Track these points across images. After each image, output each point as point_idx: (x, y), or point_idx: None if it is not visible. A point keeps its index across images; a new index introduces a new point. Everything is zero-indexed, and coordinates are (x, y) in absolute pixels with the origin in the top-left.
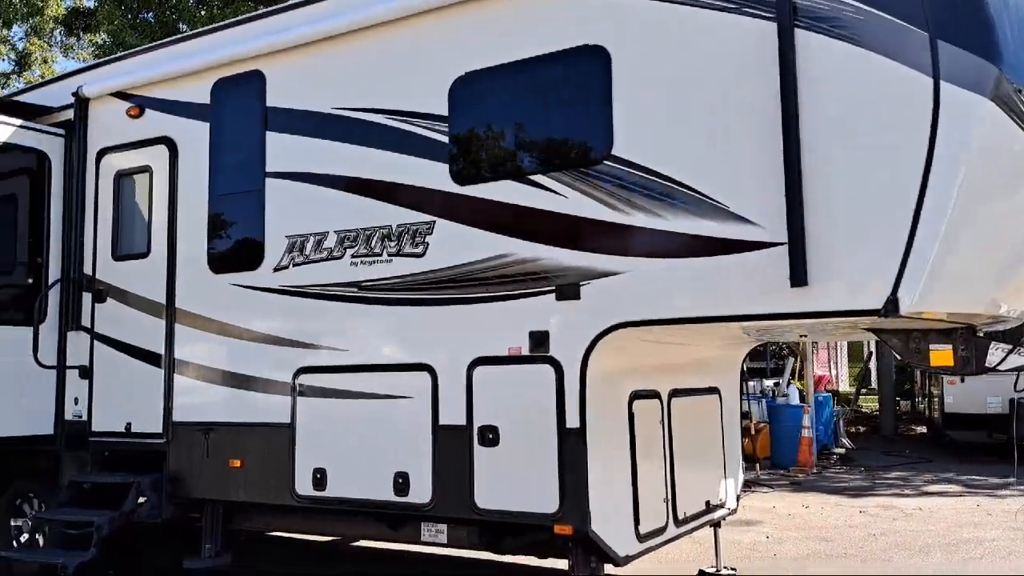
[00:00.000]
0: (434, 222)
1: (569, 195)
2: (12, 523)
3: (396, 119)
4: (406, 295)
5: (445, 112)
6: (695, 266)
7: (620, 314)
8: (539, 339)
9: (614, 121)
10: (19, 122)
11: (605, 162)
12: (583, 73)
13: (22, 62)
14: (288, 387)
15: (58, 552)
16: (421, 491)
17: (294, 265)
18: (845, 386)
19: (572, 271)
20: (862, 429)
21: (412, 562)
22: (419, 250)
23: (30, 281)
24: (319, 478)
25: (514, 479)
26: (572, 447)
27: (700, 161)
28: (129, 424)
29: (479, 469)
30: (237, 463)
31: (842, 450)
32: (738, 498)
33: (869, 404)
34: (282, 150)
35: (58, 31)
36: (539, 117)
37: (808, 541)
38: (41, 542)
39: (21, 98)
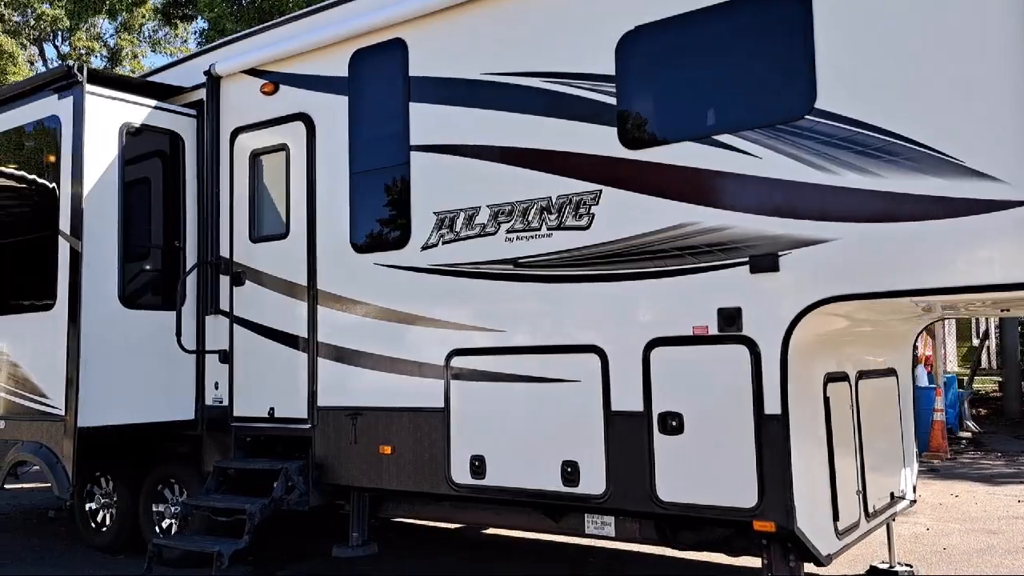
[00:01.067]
0: (600, 191)
1: (764, 156)
2: (154, 508)
3: (554, 82)
4: (569, 271)
5: (611, 71)
6: (928, 230)
7: (829, 287)
8: (730, 316)
9: (817, 71)
10: (153, 103)
11: (807, 117)
12: (778, 17)
13: (113, 58)
14: (440, 370)
15: (210, 539)
16: (593, 481)
17: (444, 243)
18: (952, 366)
19: (768, 240)
20: (983, 412)
21: (560, 552)
22: (583, 222)
23: (168, 265)
24: (477, 466)
25: (703, 470)
26: (772, 435)
27: (929, 112)
28: (272, 409)
29: (661, 459)
30: (387, 449)
31: (968, 434)
32: (914, 488)
33: (984, 385)
34: (427, 122)
35: (147, 26)
36: (725, 71)
37: (974, 534)
38: (184, 528)
39: (152, 79)
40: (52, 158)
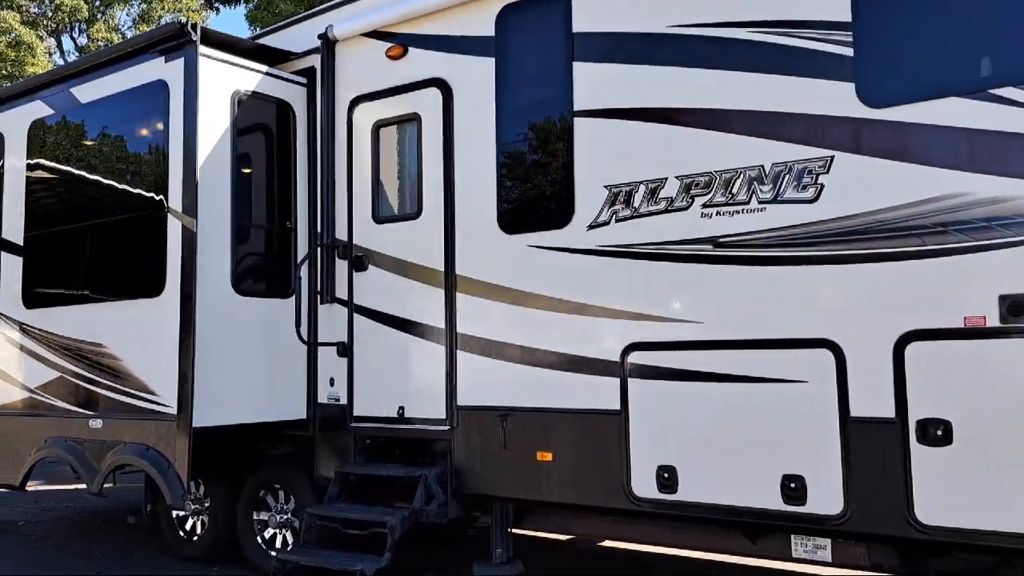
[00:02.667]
0: (831, 157)
1: None
2: (255, 517)
3: (767, 32)
4: (789, 252)
5: (846, 17)
6: None
7: None
8: (1017, 305)
9: None
10: (264, 69)
11: None
12: None
13: None
14: (615, 367)
15: (344, 555)
16: (825, 500)
17: (617, 220)
18: None
19: None
20: None
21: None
22: (808, 194)
23: (277, 248)
24: (666, 478)
25: (981, 489)
26: None
27: None
28: (402, 408)
29: (921, 474)
30: (547, 456)
31: None
32: None
33: None
34: (595, 83)
35: (165, 18)
36: (1007, 8)
37: None
38: (290, 539)
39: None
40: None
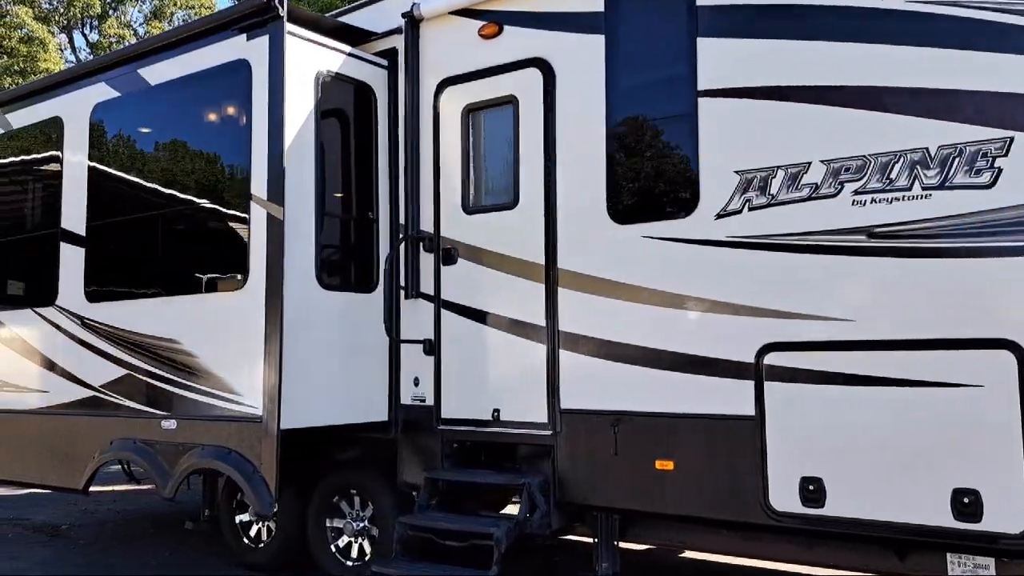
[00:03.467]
0: (1010, 139)
1: None
2: (329, 524)
3: (939, 4)
4: (959, 243)
5: None
6: None
7: None
8: None
9: None
10: (347, 49)
11: None
12: None
13: None
14: (749, 368)
15: (448, 569)
16: (1005, 516)
17: (751, 209)
18: None
19: None
20: None
21: None
22: (983, 179)
23: (357, 239)
24: (811, 491)
25: None
26: None
27: None
28: (497, 411)
29: None
30: (668, 465)
31: None
32: None
33: None
34: (724, 61)
35: (178, 14)
36: None
37: None
38: (367, 548)
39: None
40: (214, 115)
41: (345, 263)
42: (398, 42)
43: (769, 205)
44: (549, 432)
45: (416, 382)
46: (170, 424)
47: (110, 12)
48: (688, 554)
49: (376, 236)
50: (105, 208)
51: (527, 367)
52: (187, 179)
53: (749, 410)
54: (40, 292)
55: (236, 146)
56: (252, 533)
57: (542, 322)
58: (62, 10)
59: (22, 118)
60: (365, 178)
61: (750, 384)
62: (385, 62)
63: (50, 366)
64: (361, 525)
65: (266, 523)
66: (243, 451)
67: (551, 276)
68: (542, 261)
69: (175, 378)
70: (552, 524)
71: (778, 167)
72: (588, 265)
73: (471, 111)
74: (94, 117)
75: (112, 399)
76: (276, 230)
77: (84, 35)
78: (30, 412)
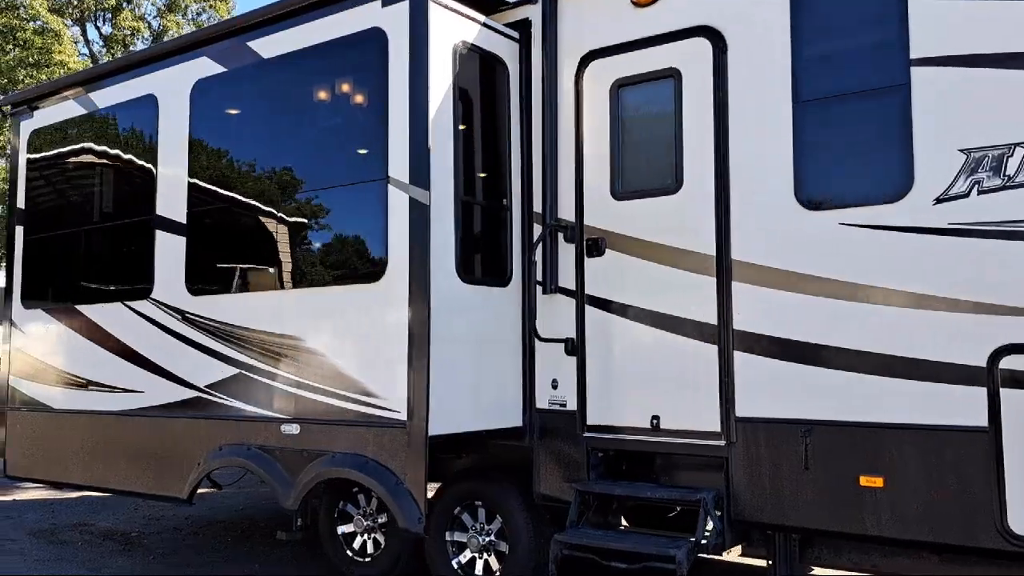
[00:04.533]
0: None
1: None
2: (449, 537)
3: None
4: None
5: None
6: None
7: None
8: None
9: None
10: (482, 19)
11: None
12: None
13: (157, 40)
14: (979, 374)
15: None
16: None
17: (980, 192)
18: None
19: None
20: None
21: None
22: None
23: (490, 228)
24: None
25: None
26: None
27: None
28: (656, 418)
29: None
30: (876, 481)
31: None
32: None
33: None
34: (944, 24)
35: (192, 8)
36: None
37: None
38: (494, 565)
39: None
40: (340, 90)
41: (481, 254)
42: (531, 12)
43: (1005, 187)
44: (722, 443)
45: (555, 385)
46: (292, 428)
47: (124, 4)
48: None
49: (509, 225)
50: (210, 193)
51: (694, 370)
52: (308, 161)
53: (981, 421)
54: (131, 285)
55: (368, 124)
56: (356, 545)
57: (712, 320)
58: (75, 2)
59: (107, 97)
60: (498, 162)
61: (981, 391)
62: (517, 34)
63: (144, 364)
64: (487, 539)
65: (373, 535)
66: (383, 460)
67: (723, 268)
68: (712, 252)
69: (297, 378)
70: (726, 543)
71: (1016, 144)
72: (770, 256)
73: (621, 86)
74: (195, 94)
75: (220, 400)
76: (420, 215)
77: (97, 28)
78: (121, 414)
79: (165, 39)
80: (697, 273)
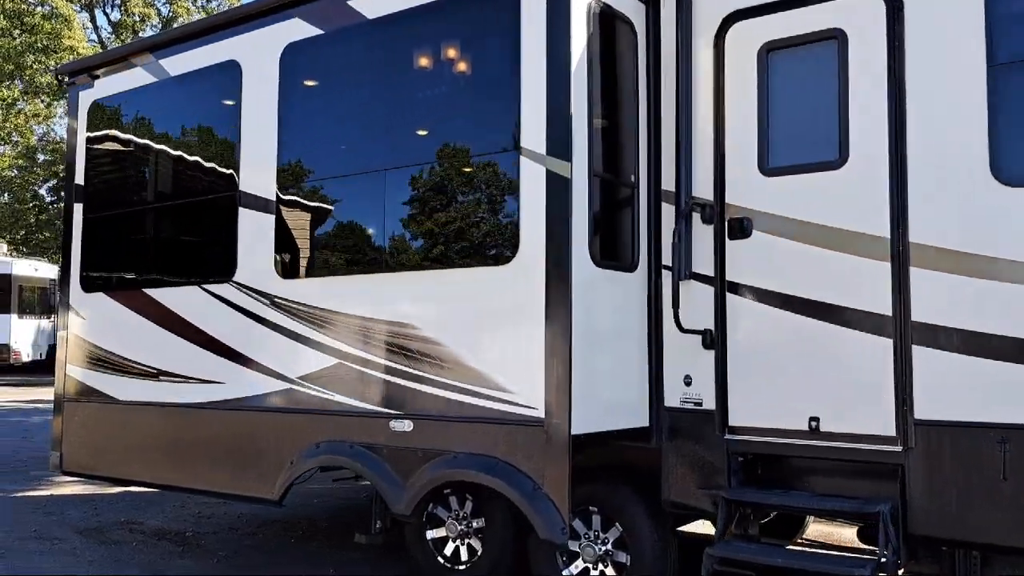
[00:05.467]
0: None
1: None
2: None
3: None
4: None
5: None
6: None
7: None
8: None
9: None
10: None
11: None
12: None
13: (167, 26)
14: None
15: None
16: None
17: None
18: None
19: None
20: None
21: None
22: None
23: (614, 205)
24: None
25: None
26: None
27: None
28: (815, 420)
29: None
30: None
31: None
32: None
33: None
34: None
35: None
36: None
37: None
38: None
39: None
40: (459, 52)
41: (611, 235)
42: None
43: None
44: (898, 448)
45: (688, 381)
46: (403, 425)
47: None
48: None
49: (636, 204)
50: (304, 167)
51: (863, 367)
52: (419, 132)
53: None
54: (209, 266)
55: (495, 90)
56: (448, 551)
57: (886, 310)
58: None
59: (180, 64)
60: (625, 135)
61: None
62: None
63: (225, 353)
64: (603, 549)
65: (467, 540)
66: (515, 462)
67: (899, 252)
68: (885, 233)
69: (409, 370)
70: (902, 559)
71: None
72: (958, 238)
73: (771, 50)
74: (286, 59)
75: (316, 393)
76: (560, 191)
77: (106, 14)
78: (197, 406)
79: (175, 25)
80: (866, 257)
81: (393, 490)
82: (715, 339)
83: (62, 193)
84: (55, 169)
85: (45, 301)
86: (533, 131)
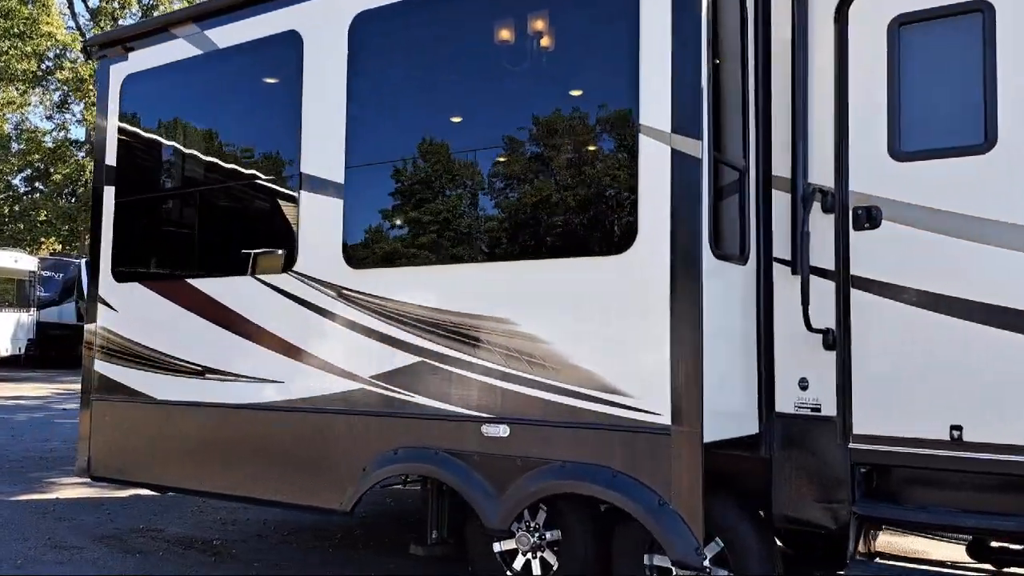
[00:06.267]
0: None
1: None
2: (648, 561)
3: None
4: None
5: None
6: None
7: None
8: None
9: None
10: None
11: None
12: None
13: (147, 14)
14: None
15: None
16: None
17: None
18: None
19: None
20: None
21: None
22: None
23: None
24: None
25: None
26: None
27: None
28: (957, 429)
29: None
30: None
31: None
32: None
33: None
34: None
35: None
36: None
37: None
38: None
39: None
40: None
41: (725, 224)
42: None
43: None
44: None
45: (803, 384)
46: (497, 430)
47: None
48: None
49: (747, 190)
50: (378, 147)
51: (1014, 371)
52: (516, 107)
53: None
54: (265, 255)
55: (607, 62)
56: (518, 565)
57: None
58: None
59: (230, 35)
60: (733, 113)
61: None
62: None
63: (284, 349)
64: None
65: (539, 554)
66: (636, 473)
67: None
68: None
69: (506, 370)
70: None
71: None
72: None
73: (903, 24)
74: (355, 31)
75: (393, 394)
76: (689, 172)
77: (84, 1)
78: (251, 407)
79: (155, 15)
80: (1019, 251)
81: (486, 502)
82: (837, 339)
83: (37, 184)
84: (30, 159)
85: (24, 294)
86: (655, 106)
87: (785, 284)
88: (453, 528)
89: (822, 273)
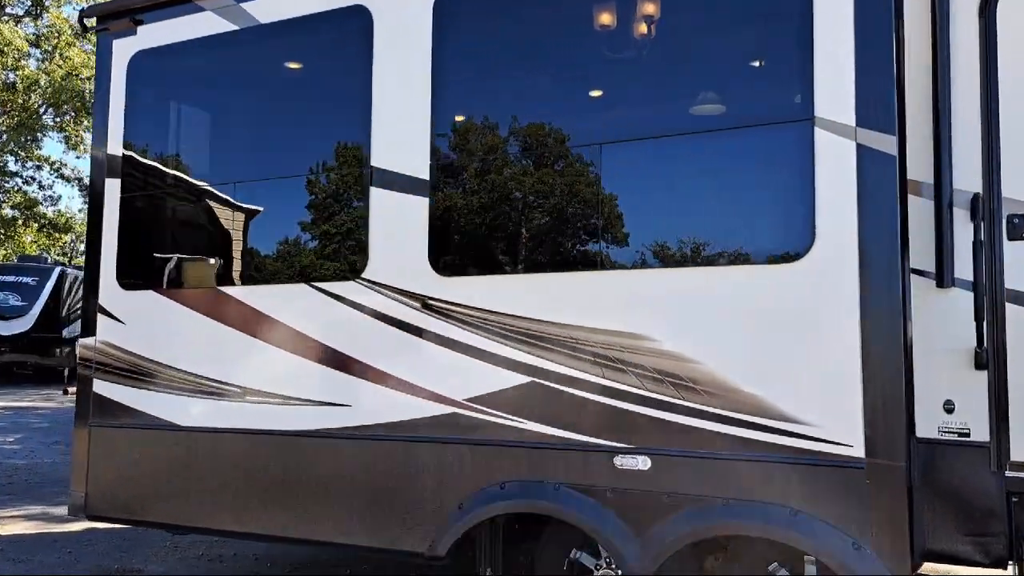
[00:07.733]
0: None
1: None
2: None
3: None
4: None
5: None
6: None
7: None
8: None
9: None
10: None
11: None
12: None
13: None
14: None
15: None
16: None
17: None
18: None
19: None
20: None
21: None
22: None
23: None
24: None
25: None
26: None
27: None
28: None
29: None
30: None
31: None
32: None
33: None
34: None
35: None
36: None
37: None
38: None
39: None
40: None
41: None
42: None
43: None
44: None
45: (949, 408)
46: (636, 462)
47: None
48: None
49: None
50: (473, 139)
51: None
52: (651, 92)
53: None
54: (324, 260)
55: (775, 48)
56: None
57: None
58: None
59: (275, 9)
60: None
61: None
62: None
63: (350, 368)
64: None
65: None
66: (821, 513)
67: None
68: None
69: (643, 392)
70: None
71: None
72: None
73: None
74: (443, 6)
75: (496, 420)
76: (881, 171)
77: None
78: (307, 434)
79: None
80: None
81: (623, 544)
82: (991, 359)
83: None
84: None
85: None
86: (833, 96)
87: (926, 297)
88: (509, 566)
89: (967, 285)
